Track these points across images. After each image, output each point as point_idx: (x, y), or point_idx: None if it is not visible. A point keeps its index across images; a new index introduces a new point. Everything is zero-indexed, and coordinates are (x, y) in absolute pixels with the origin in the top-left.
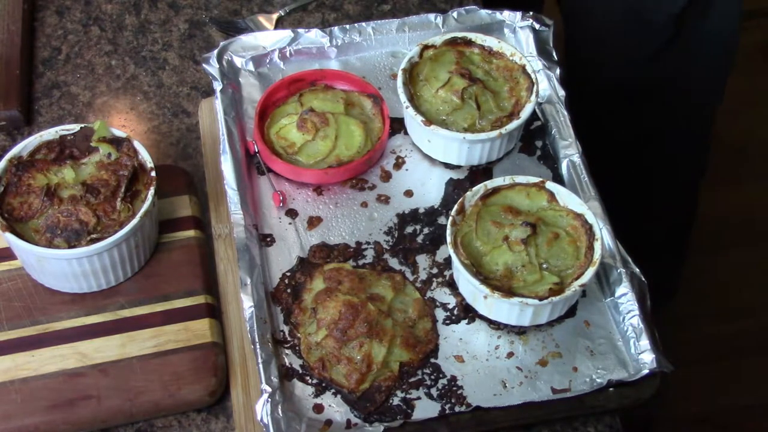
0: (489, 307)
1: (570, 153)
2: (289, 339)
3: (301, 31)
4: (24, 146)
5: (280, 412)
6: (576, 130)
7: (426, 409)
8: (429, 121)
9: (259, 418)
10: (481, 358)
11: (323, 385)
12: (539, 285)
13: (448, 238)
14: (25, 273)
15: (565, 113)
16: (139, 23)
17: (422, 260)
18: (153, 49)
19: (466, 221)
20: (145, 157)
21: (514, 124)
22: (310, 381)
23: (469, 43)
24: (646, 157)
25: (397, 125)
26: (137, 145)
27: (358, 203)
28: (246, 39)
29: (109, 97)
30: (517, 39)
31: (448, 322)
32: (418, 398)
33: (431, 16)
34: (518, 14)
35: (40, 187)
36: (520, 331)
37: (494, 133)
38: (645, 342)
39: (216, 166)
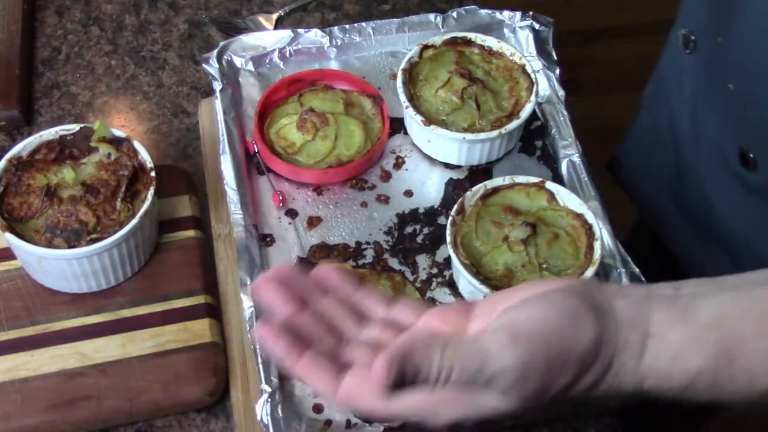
0: None
1: (570, 153)
2: None
3: (300, 31)
4: (24, 146)
5: (280, 412)
6: (576, 130)
7: None
8: (429, 121)
9: (259, 418)
10: None
11: None
12: None
13: (448, 238)
14: (25, 273)
15: (565, 113)
16: (139, 23)
17: (422, 260)
18: (153, 49)
19: (465, 221)
20: (145, 157)
21: (514, 124)
22: None
23: (469, 43)
24: None
25: (397, 125)
26: (137, 145)
27: (358, 203)
28: (246, 39)
29: (109, 97)
30: (517, 39)
31: None
32: None
33: (431, 16)
34: (518, 14)
35: (40, 187)
36: None
37: (494, 133)
38: None
39: (216, 166)
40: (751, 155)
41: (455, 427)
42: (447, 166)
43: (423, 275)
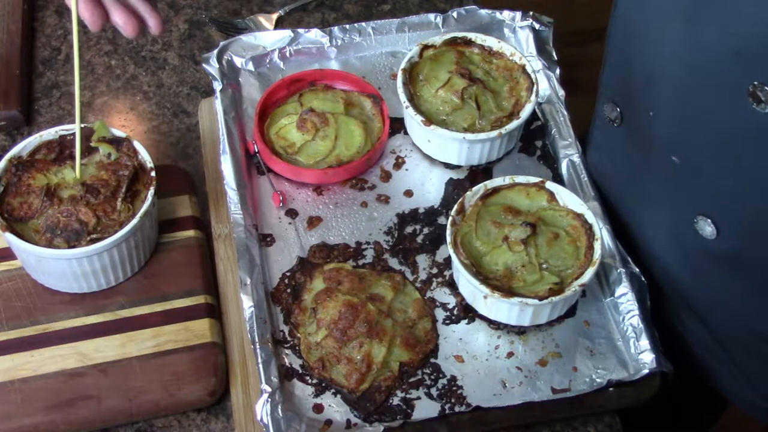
0: (489, 307)
1: (570, 153)
2: (289, 339)
3: (301, 31)
4: (24, 146)
5: (280, 412)
6: (576, 130)
7: (426, 409)
8: (429, 120)
9: (259, 418)
10: (481, 358)
11: (323, 385)
12: (539, 285)
13: (448, 238)
14: (25, 273)
15: (565, 113)
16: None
17: (422, 260)
18: (153, 49)
19: (466, 221)
20: (145, 157)
21: (514, 124)
22: (310, 381)
23: (469, 43)
24: None
25: (397, 125)
26: (137, 145)
27: (358, 203)
28: (246, 39)
29: (109, 97)
30: (517, 39)
31: (448, 322)
32: (418, 398)
33: (431, 16)
34: (518, 14)
35: (40, 187)
36: (520, 331)
37: (494, 133)
38: (645, 342)
39: (216, 166)
40: (710, 220)
41: None
42: (447, 166)
43: (423, 275)
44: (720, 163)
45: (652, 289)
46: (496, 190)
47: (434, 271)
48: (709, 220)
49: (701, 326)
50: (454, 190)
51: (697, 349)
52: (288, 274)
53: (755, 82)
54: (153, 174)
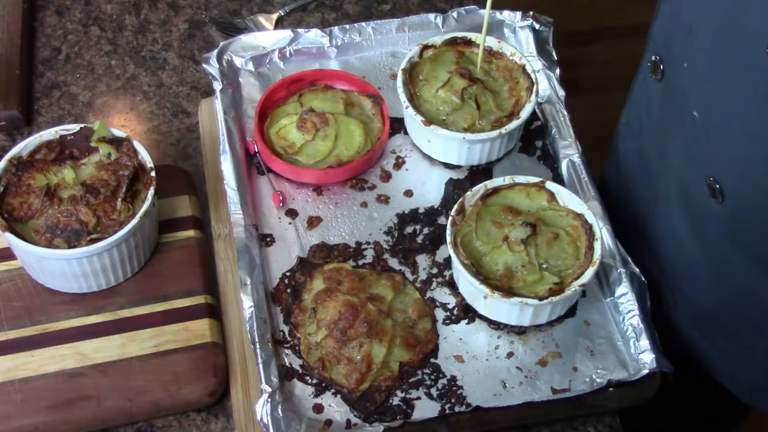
0: (489, 307)
1: (570, 153)
2: (289, 339)
3: (300, 31)
4: (24, 146)
5: (280, 412)
6: (576, 130)
7: (426, 409)
8: (429, 121)
9: (259, 418)
10: (481, 358)
11: (323, 385)
12: (539, 285)
13: (448, 238)
14: (25, 273)
15: (565, 113)
16: (139, 23)
17: (422, 260)
18: (153, 49)
19: (466, 221)
20: (145, 157)
21: (514, 124)
22: (310, 381)
23: (469, 43)
24: None
25: (397, 125)
26: (137, 145)
27: (358, 203)
28: (246, 39)
29: (109, 97)
30: (517, 39)
31: (448, 322)
32: (418, 398)
33: (431, 16)
34: (518, 14)
35: (40, 187)
36: (520, 331)
37: (494, 133)
38: (645, 342)
39: (216, 166)
40: (718, 186)
41: None
42: (447, 166)
43: (423, 275)
44: (731, 123)
45: (652, 289)
46: (496, 190)
47: (434, 271)
48: (717, 185)
49: (696, 309)
50: (454, 190)
51: (696, 339)
52: (288, 274)
53: None
54: (153, 174)
